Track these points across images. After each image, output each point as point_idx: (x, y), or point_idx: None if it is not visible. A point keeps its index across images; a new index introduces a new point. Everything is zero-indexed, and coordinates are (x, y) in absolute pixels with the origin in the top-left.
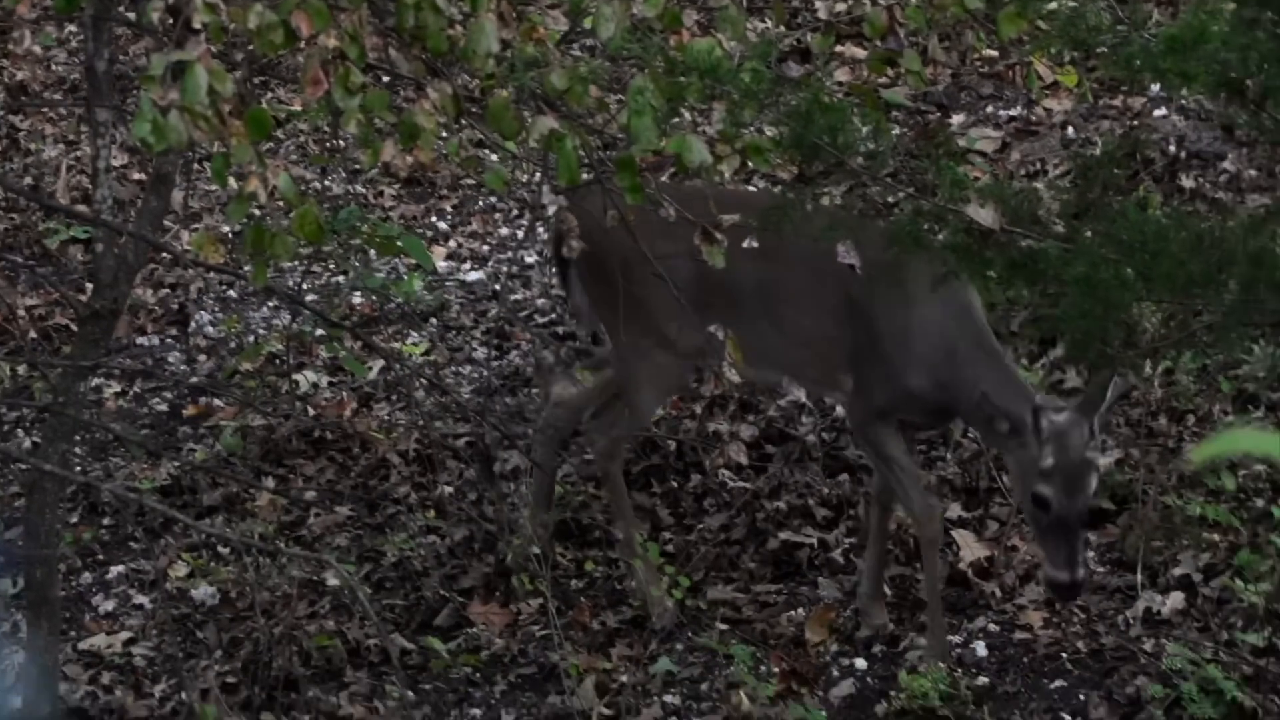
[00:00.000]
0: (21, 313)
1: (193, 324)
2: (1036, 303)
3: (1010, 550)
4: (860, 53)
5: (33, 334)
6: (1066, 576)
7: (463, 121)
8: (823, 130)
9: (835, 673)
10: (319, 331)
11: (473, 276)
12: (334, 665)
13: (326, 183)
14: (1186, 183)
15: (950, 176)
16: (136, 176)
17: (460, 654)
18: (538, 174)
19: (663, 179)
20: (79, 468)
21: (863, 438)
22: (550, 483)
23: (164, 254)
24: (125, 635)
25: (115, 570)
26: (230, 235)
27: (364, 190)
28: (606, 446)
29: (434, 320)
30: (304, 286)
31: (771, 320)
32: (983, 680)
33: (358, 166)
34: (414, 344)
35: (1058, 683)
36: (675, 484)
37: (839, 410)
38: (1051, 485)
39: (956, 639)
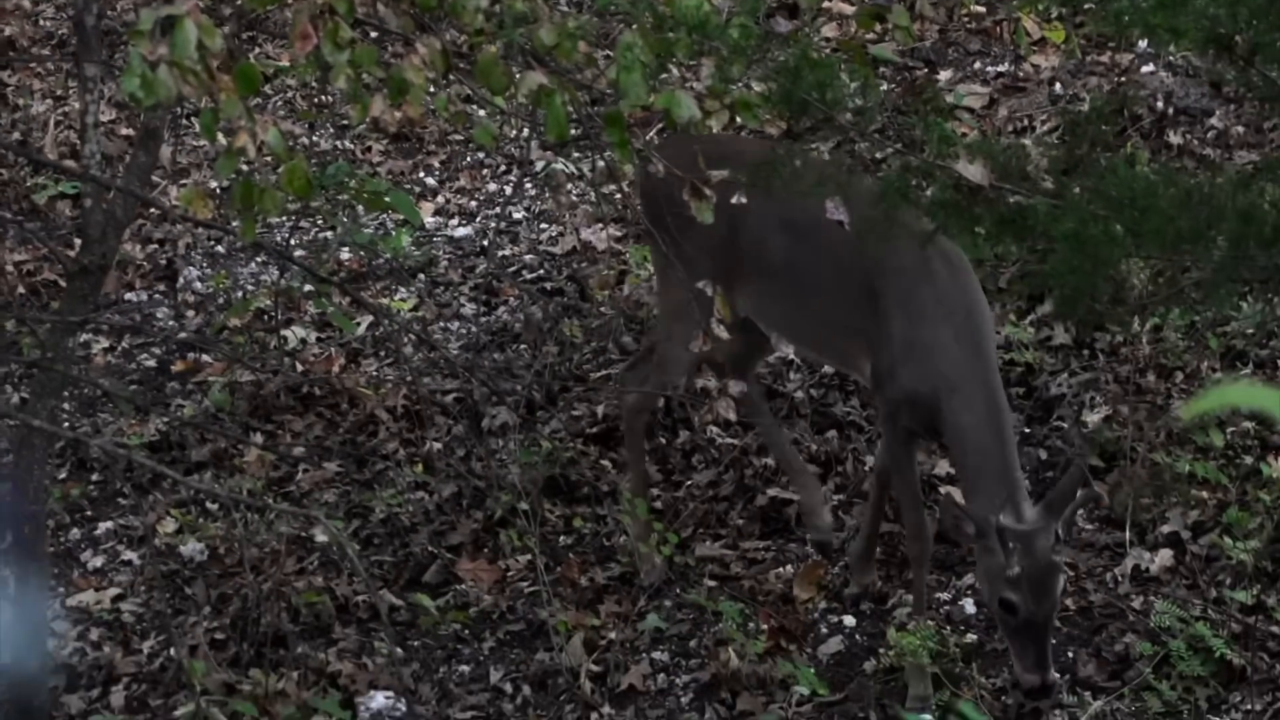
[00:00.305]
0: (10, 268)
1: (181, 279)
2: (1025, 259)
3: None
4: (848, 8)
5: (21, 289)
6: (1038, 679)
7: (451, 77)
8: (811, 86)
9: (824, 629)
10: (307, 287)
11: (461, 232)
12: (322, 621)
13: (315, 138)
14: (1174, 139)
15: (938, 133)
16: (125, 132)
17: (449, 610)
18: (526, 130)
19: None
20: (67, 423)
21: (883, 435)
22: (765, 410)
23: (152, 209)
24: (114, 591)
25: (104, 526)
26: (219, 190)
27: (352, 146)
28: (635, 401)
29: (422, 276)
30: (292, 242)
31: (796, 298)
32: (971, 637)
33: (346, 122)
34: (402, 300)
35: None
36: (664, 440)
37: (827, 367)
38: (1019, 592)
39: (945, 596)
